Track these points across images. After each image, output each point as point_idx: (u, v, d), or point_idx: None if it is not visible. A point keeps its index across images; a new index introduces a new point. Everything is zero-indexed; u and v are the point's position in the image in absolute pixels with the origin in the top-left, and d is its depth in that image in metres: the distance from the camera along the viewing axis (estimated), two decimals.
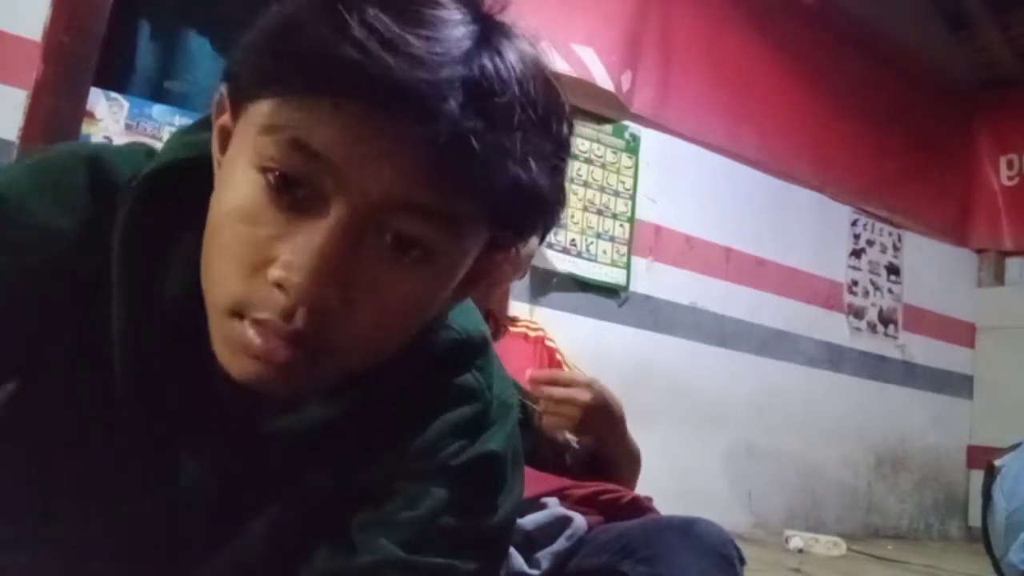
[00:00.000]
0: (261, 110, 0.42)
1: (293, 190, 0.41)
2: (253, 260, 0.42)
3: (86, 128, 1.80)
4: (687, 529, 0.87)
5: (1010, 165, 3.60)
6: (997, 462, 1.40)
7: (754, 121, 2.87)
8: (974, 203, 3.62)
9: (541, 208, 0.45)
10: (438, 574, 0.50)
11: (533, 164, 0.42)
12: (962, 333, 3.54)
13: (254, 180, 0.42)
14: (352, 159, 0.40)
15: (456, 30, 0.41)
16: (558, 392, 1.10)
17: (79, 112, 1.77)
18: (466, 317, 0.54)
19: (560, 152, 0.45)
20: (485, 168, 0.41)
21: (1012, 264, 3.63)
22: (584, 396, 1.10)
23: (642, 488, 1.21)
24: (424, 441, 0.52)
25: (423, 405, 0.52)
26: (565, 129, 0.46)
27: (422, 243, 0.42)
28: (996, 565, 1.39)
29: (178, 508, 0.51)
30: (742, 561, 0.86)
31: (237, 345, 0.43)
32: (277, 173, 0.41)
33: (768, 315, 2.90)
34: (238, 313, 0.43)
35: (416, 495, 0.51)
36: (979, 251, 3.65)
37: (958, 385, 3.48)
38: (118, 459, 0.49)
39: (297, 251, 0.41)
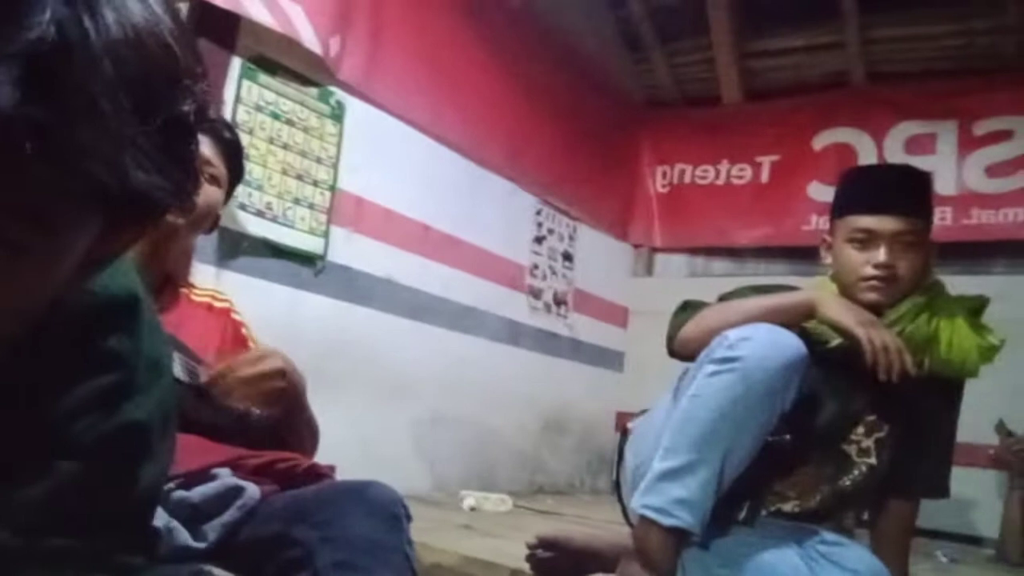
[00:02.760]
0: None
1: None
2: None
3: None
4: (360, 492, 0.90)
5: (664, 175, 4.21)
6: (629, 424, 1.64)
7: (456, 106, 3.00)
8: (635, 205, 4.18)
9: (144, 203, 0.37)
10: (59, 557, 0.46)
11: (127, 157, 0.34)
12: (618, 315, 4.09)
13: None
14: None
15: None
16: (250, 372, 1.07)
17: None
18: (112, 276, 0.48)
19: (177, 135, 0.38)
20: (56, 168, 0.33)
21: (659, 259, 4.27)
22: (278, 363, 1.08)
23: (329, 457, 1.21)
24: (57, 414, 0.46)
25: (57, 376, 0.46)
26: (185, 105, 0.38)
27: (2, 241, 0.35)
28: (624, 512, 1.64)
29: None
30: (409, 519, 0.91)
31: None
32: None
33: (460, 292, 3.07)
34: None
35: (37, 472, 0.46)
36: (636, 246, 4.23)
37: (612, 360, 4.02)
38: None
39: None
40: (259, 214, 2.29)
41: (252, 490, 0.95)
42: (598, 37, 3.91)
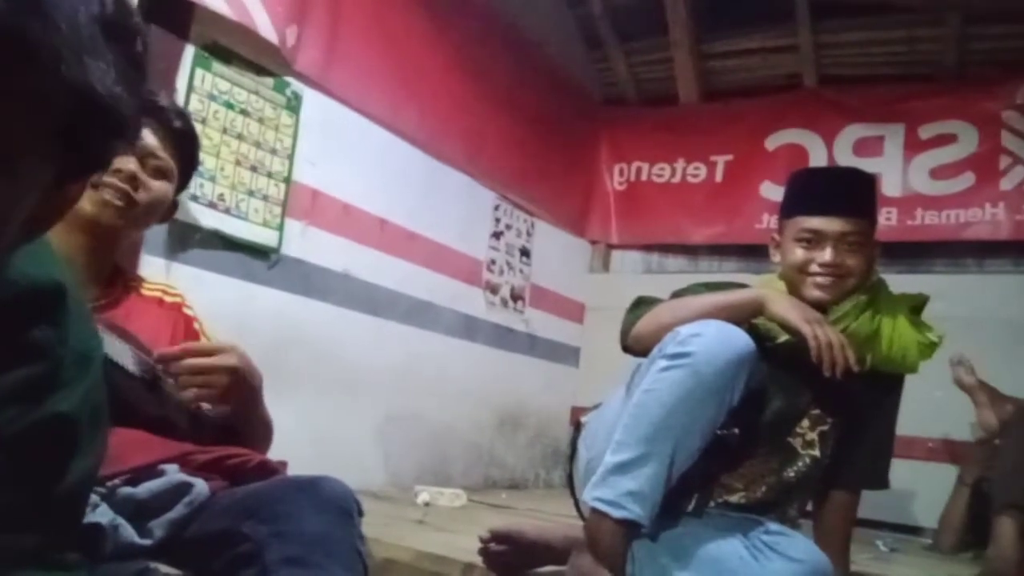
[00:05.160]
0: None
1: None
2: None
3: None
4: (311, 487, 0.90)
5: (621, 173, 4.25)
6: (582, 419, 1.66)
7: (415, 99, 2.98)
8: (592, 202, 4.21)
9: (116, 124, 0.39)
10: None
11: (108, 70, 0.37)
12: (574, 311, 4.11)
13: None
14: None
15: None
16: (201, 362, 1.05)
17: None
18: (36, 263, 0.46)
19: (137, 70, 0.40)
20: (47, 73, 0.34)
21: (616, 256, 4.31)
22: (232, 360, 1.06)
23: (282, 453, 1.20)
24: None
25: None
26: (140, 47, 0.41)
27: None
28: (577, 505, 1.66)
29: None
30: (361, 513, 0.91)
31: None
32: None
33: (416, 286, 3.06)
34: None
35: None
36: (592, 243, 4.26)
37: (568, 355, 4.04)
38: None
39: None
40: (211, 206, 2.25)
41: (200, 486, 0.94)
42: (558, 34, 3.93)
